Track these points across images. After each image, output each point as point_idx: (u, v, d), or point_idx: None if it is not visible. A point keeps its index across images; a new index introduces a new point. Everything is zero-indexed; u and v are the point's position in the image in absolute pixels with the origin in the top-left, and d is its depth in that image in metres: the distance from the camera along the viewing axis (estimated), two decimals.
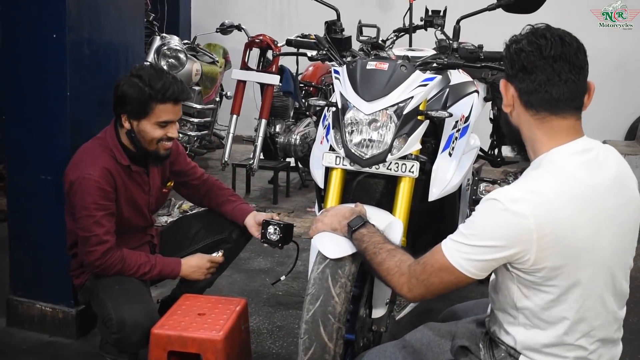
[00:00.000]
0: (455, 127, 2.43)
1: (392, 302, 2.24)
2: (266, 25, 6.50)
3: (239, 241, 2.76)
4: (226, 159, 4.95)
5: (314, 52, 2.50)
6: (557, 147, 1.56)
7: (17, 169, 2.83)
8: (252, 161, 4.91)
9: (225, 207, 2.73)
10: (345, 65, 2.25)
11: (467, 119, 2.55)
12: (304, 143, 5.15)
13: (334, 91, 2.28)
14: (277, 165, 5.06)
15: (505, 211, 1.48)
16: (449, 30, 2.52)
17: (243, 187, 5.24)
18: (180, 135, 5.02)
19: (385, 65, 2.18)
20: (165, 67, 4.89)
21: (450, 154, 2.37)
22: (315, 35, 2.49)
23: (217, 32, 5.45)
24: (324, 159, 2.23)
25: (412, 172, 2.17)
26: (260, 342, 2.88)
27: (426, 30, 3.22)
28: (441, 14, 2.86)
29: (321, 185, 2.35)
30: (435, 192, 2.29)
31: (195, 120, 5.33)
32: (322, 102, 2.34)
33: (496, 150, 4.01)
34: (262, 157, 5.05)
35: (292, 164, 5.32)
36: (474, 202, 2.28)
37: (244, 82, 5.08)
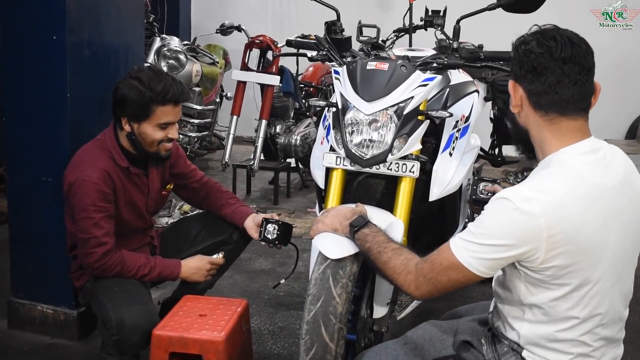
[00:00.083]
0: (455, 127, 2.43)
1: (394, 302, 2.24)
2: (266, 26, 6.50)
3: (239, 243, 2.75)
4: (226, 160, 4.96)
5: (314, 53, 2.50)
6: (565, 147, 1.57)
7: (18, 170, 2.83)
8: (252, 162, 4.91)
9: (225, 210, 2.73)
10: (345, 66, 2.25)
11: (468, 118, 2.55)
12: (305, 143, 5.15)
13: (334, 91, 2.28)
14: (278, 166, 5.06)
15: (515, 210, 1.49)
16: (449, 30, 2.52)
17: (244, 188, 5.24)
18: (181, 136, 5.03)
19: (385, 66, 2.18)
20: (165, 68, 4.90)
21: (450, 154, 2.37)
22: (315, 35, 2.49)
23: (217, 33, 5.45)
24: (325, 159, 2.23)
25: (413, 172, 2.17)
26: (261, 342, 2.88)
27: (426, 30, 3.22)
28: (441, 14, 2.86)
29: (322, 186, 2.35)
30: (436, 192, 2.29)
31: (196, 121, 5.33)
32: (322, 103, 2.34)
33: (496, 150, 4.01)
34: (262, 157, 5.05)
35: (293, 164, 5.33)
36: (474, 202, 2.28)
37: (244, 82, 5.09)
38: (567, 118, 1.57)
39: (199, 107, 5.30)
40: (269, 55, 5.03)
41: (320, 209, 2.41)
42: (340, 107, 2.19)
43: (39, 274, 2.86)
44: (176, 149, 2.68)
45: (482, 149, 3.42)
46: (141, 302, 2.36)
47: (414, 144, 2.17)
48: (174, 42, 5.11)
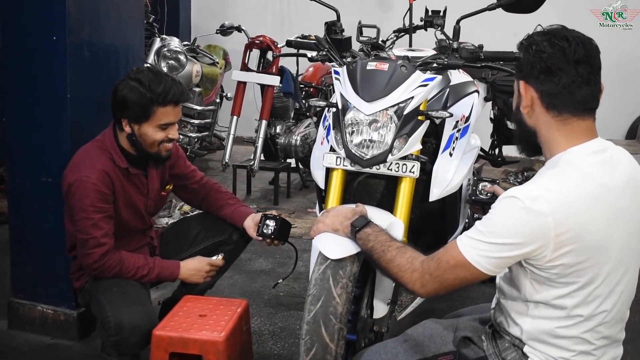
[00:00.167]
0: (455, 127, 2.43)
1: (394, 303, 2.23)
2: (266, 27, 6.50)
3: (239, 243, 2.75)
4: (227, 160, 4.96)
5: (314, 53, 2.49)
6: (573, 147, 1.57)
7: (18, 171, 2.83)
8: (252, 162, 4.92)
9: (224, 211, 2.72)
10: (345, 66, 2.25)
11: (468, 118, 2.55)
12: (305, 144, 5.15)
13: (334, 92, 2.28)
14: (278, 166, 5.06)
15: (524, 209, 1.49)
16: (449, 30, 2.52)
17: (244, 188, 5.24)
18: (181, 136, 5.02)
19: (385, 66, 2.18)
20: (165, 69, 4.90)
21: (450, 154, 2.37)
22: (315, 36, 2.49)
23: (217, 33, 5.45)
24: (325, 159, 2.23)
25: (413, 172, 2.17)
26: (261, 343, 2.88)
27: (426, 30, 3.22)
28: (441, 14, 2.86)
29: (322, 186, 2.35)
30: (436, 192, 2.29)
31: (196, 121, 5.33)
32: (322, 103, 2.34)
33: (497, 150, 4.00)
34: (262, 158, 5.05)
35: (293, 164, 5.32)
36: (473, 202, 2.28)
37: (244, 83, 5.09)
38: (578, 118, 1.57)
39: (199, 108, 5.30)
40: (269, 55, 5.03)
41: (321, 209, 2.41)
42: (340, 107, 2.19)
43: (39, 274, 2.86)
44: (176, 149, 2.68)
45: (482, 149, 3.42)
46: (140, 302, 2.36)
47: (414, 144, 2.17)
48: (174, 43, 5.11)
